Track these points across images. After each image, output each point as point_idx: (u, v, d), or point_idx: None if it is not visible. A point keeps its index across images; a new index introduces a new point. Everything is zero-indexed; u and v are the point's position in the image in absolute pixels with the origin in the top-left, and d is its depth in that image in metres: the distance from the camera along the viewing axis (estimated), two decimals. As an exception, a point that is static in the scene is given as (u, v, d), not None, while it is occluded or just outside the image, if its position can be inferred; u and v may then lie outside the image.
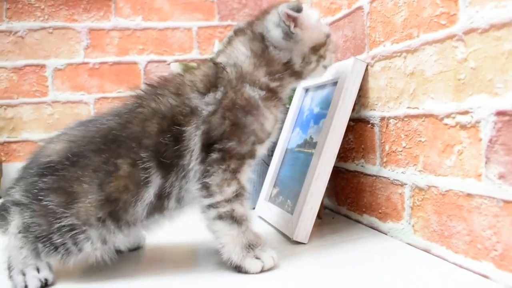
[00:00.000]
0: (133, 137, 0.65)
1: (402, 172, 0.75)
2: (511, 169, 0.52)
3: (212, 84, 0.68)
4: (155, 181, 0.64)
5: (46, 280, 0.62)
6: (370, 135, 0.85)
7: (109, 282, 0.65)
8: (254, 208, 1.04)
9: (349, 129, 0.93)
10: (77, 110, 1.53)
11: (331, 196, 1.05)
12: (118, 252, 0.71)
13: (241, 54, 0.70)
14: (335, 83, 0.85)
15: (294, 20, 0.68)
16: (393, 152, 0.77)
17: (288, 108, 1.04)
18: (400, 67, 0.74)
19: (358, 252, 0.72)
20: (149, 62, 1.58)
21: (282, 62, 0.71)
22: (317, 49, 0.72)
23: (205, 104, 0.67)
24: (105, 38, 1.55)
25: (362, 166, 0.89)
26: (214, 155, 0.66)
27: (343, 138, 0.81)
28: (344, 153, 0.96)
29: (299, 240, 0.78)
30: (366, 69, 0.84)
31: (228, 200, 0.66)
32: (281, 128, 0.88)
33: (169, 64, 1.58)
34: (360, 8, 0.88)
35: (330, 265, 0.67)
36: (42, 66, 1.51)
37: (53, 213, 0.62)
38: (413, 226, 0.72)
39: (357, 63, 0.82)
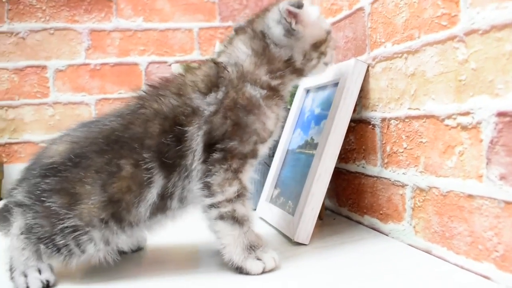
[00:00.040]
0: (135, 138, 0.65)
1: (403, 173, 0.75)
2: (512, 170, 0.53)
3: (213, 84, 0.69)
4: (158, 181, 0.65)
5: (47, 281, 0.62)
6: (371, 136, 0.85)
7: (110, 283, 0.65)
8: (255, 209, 1.05)
9: (350, 130, 0.93)
10: (78, 111, 1.53)
11: (332, 197, 1.05)
12: (121, 253, 0.72)
13: (242, 53, 0.70)
14: (336, 84, 0.85)
15: (295, 16, 0.69)
16: (394, 153, 0.78)
17: (289, 109, 1.04)
18: (401, 68, 0.74)
19: (359, 253, 0.72)
20: (150, 63, 1.58)
21: (283, 60, 0.71)
22: (318, 46, 0.72)
23: (206, 104, 0.67)
24: (106, 39, 1.55)
25: (363, 167, 0.89)
26: (216, 155, 0.66)
27: (344, 139, 0.81)
28: (345, 154, 0.96)
29: (300, 241, 0.78)
30: (367, 70, 0.84)
31: (229, 200, 0.66)
32: (283, 126, 0.88)
33: (170, 65, 1.58)
34: (361, 9, 0.88)
35: (331, 266, 0.67)
36: (43, 67, 1.52)
37: (56, 214, 0.62)
38: (414, 227, 0.72)
39: (358, 64, 0.82)
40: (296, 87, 1.05)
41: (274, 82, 0.70)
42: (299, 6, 0.68)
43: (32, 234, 0.63)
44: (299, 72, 0.73)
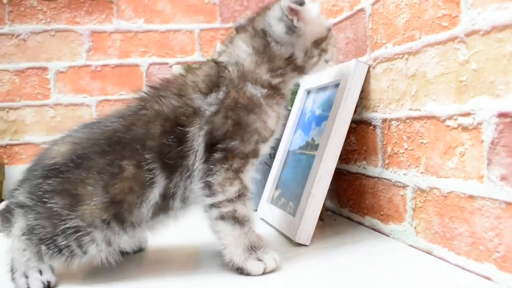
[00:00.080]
0: (137, 138, 0.65)
1: (404, 174, 0.75)
2: (513, 171, 0.53)
3: (214, 84, 0.69)
4: (160, 182, 0.65)
5: (48, 282, 0.62)
6: (372, 137, 0.85)
7: (111, 284, 0.65)
8: (256, 210, 1.05)
9: (351, 131, 0.93)
10: (79, 113, 1.53)
11: (333, 198, 1.05)
12: (123, 253, 0.71)
13: (242, 52, 0.71)
14: (337, 85, 0.86)
15: (297, 14, 0.69)
16: (395, 154, 0.78)
17: (290, 109, 1.04)
18: (402, 69, 0.74)
19: (360, 254, 0.72)
20: (151, 64, 1.58)
21: (284, 58, 0.71)
22: (319, 43, 0.73)
23: (207, 105, 0.67)
24: (107, 40, 1.55)
25: (364, 168, 0.89)
26: (217, 155, 0.66)
27: (345, 140, 0.81)
28: (346, 155, 0.96)
29: (301, 242, 0.78)
30: (368, 71, 0.84)
31: (230, 200, 0.66)
32: (284, 125, 0.88)
33: (171, 66, 1.58)
34: (361, 10, 0.88)
35: (332, 266, 0.67)
36: (44, 69, 1.52)
37: (58, 215, 0.62)
38: (415, 228, 0.72)
39: (359, 65, 0.82)
40: (298, 86, 1.05)
41: (275, 81, 0.70)
42: (301, 3, 0.68)
43: (33, 235, 0.63)
44: (300, 70, 0.73)
